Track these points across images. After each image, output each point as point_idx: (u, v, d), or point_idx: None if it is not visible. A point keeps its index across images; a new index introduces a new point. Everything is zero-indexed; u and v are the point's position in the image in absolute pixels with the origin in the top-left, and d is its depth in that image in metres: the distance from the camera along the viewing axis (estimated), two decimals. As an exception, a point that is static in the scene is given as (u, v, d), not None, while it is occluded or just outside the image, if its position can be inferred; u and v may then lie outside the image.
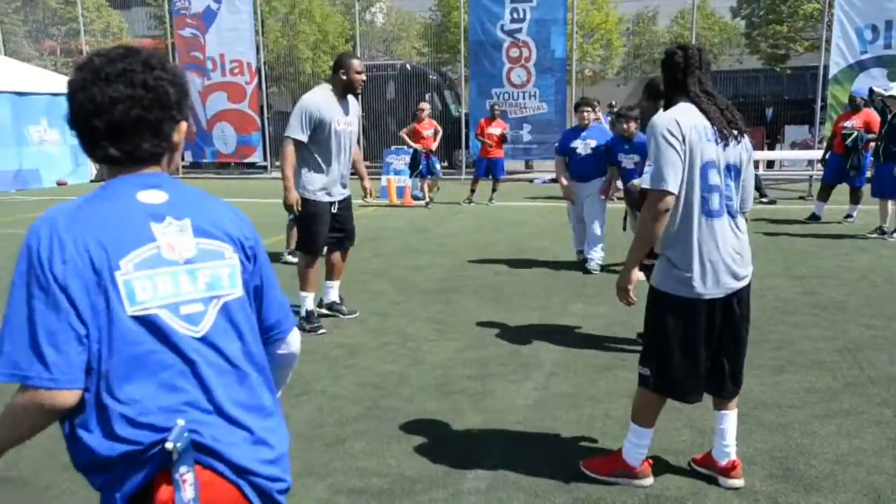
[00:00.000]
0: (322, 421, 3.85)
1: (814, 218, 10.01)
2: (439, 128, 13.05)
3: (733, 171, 2.95)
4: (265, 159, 19.25)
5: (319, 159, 5.26)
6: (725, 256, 2.91)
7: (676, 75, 2.99)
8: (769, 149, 18.30)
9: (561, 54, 16.44)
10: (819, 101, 15.52)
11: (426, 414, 3.92)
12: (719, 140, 2.88)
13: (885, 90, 9.24)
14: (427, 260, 8.04)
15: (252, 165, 19.76)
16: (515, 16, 16.31)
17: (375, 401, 4.11)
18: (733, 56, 27.58)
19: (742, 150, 2.97)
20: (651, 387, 3.08)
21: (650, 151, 2.90)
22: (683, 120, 2.86)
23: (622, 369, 4.54)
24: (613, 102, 19.45)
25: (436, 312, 5.92)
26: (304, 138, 5.18)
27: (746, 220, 3.13)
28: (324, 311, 5.78)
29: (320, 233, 5.37)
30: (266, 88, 19.23)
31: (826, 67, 15.15)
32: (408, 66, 21.19)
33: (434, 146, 12.57)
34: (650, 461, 3.18)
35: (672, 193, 2.82)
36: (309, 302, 5.49)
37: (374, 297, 6.47)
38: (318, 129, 5.19)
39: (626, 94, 29.27)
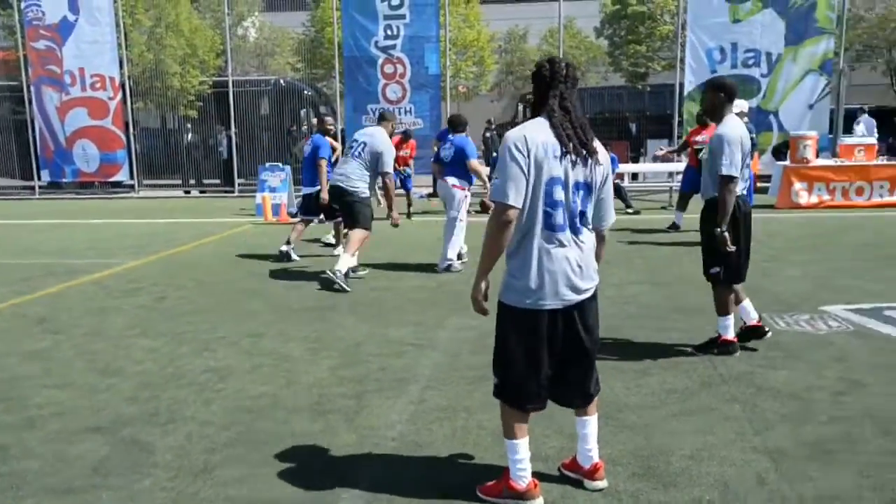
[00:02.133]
0: (189, 449, 3.71)
1: (674, 227, 10.61)
2: (336, 144, 12.92)
3: (582, 188, 2.99)
4: (132, 178, 18.40)
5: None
6: (566, 268, 2.98)
7: (542, 88, 3.04)
8: (633, 161, 19.29)
9: (435, 71, 16.69)
10: (676, 116, 16.50)
11: (300, 436, 3.85)
12: (566, 158, 2.93)
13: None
14: (304, 278, 7.92)
15: (118, 185, 18.84)
16: (389, 32, 16.44)
17: (247, 425, 4.00)
18: (599, 74, 28.89)
19: (593, 170, 3.01)
20: (498, 395, 3.16)
21: (497, 165, 2.97)
22: (531, 136, 2.91)
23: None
24: (492, 119, 19.97)
25: (311, 331, 5.84)
26: None
27: (604, 236, 3.22)
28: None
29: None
30: (131, 104, 18.42)
31: (681, 85, 16.14)
32: (282, 81, 20.88)
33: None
34: (536, 481, 3.14)
35: (514, 207, 2.87)
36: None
37: (248, 317, 6.31)
38: None
39: (500, 109, 30.05)
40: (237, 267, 8.65)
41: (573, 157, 2.94)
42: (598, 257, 3.17)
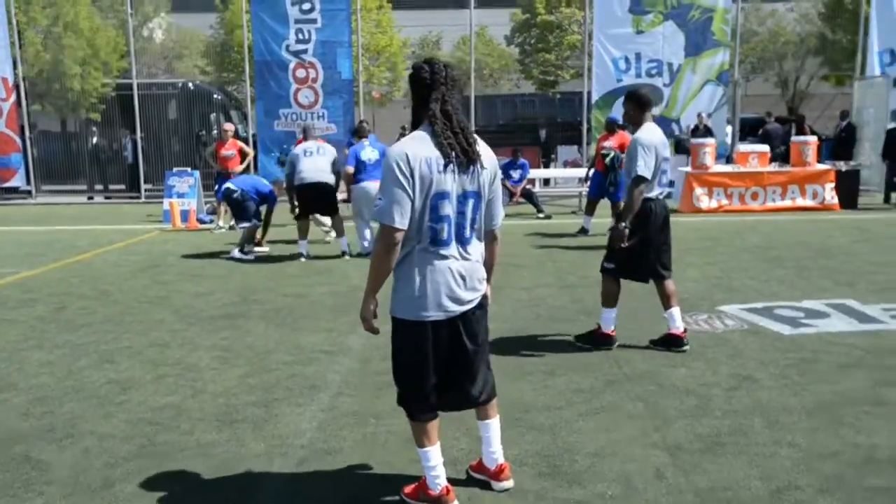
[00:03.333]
0: (88, 465, 3.57)
1: (582, 231, 10.90)
2: (247, 149, 12.67)
3: (471, 197, 2.96)
4: (28, 183, 17.54)
5: None
6: (449, 280, 2.97)
7: (422, 92, 2.95)
8: (544, 167, 19.68)
9: (348, 76, 16.59)
10: (585, 123, 16.96)
11: (205, 446, 3.77)
12: (450, 169, 2.88)
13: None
14: (212, 286, 7.73)
15: (13, 190, 17.91)
16: (301, 36, 16.24)
17: (150, 437, 3.89)
18: (512, 81, 29.40)
19: (479, 176, 2.96)
20: (400, 404, 3.21)
21: (381, 185, 2.91)
22: (413, 153, 2.84)
23: (407, 384, 4.65)
24: (405, 125, 19.97)
25: (220, 339, 5.72)
26: None
27: (496, 236, 3.17)
28: None
29: None
30: (28, 106, 17.56)
31: (589, 93, 16.60)
32: (190, 84, 20.34)
33: (239, 168, 12.09)
34: (449, 487, 3.17)
35: (400, 230, 2.85)
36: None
37: (153, 327, 6.12)
38: None
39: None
40: (143, 275, 8.37)
41: (457, 168, 2.89)
42: (492, 257, 3.18)
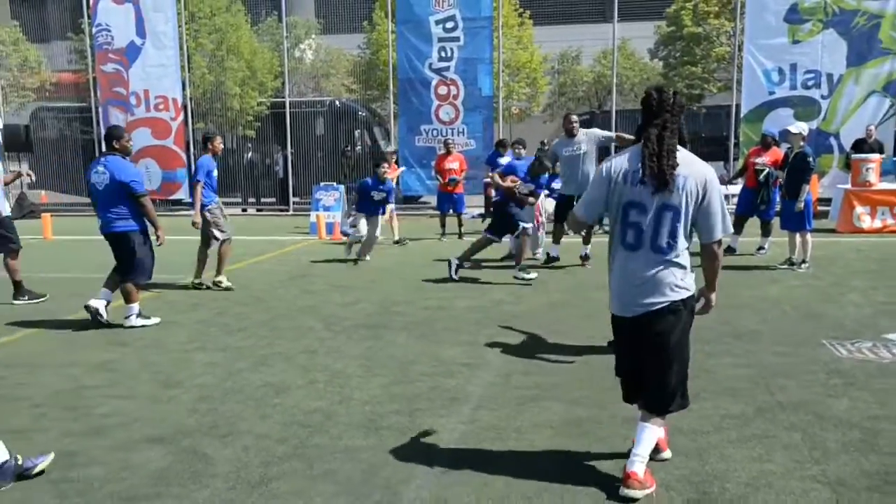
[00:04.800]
0: (247, 461, 3.80)
1: (729, 250, 10.42)
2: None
3: (667, 210, 3.34)
4: (191, 196, 18.90)
5: None
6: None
7: (646, 116, 3.40)
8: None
9: (488, 92, 16.80)
10: (732, 138, 16.27)
11: (354, 451, 3.91)
12: (644, 183, 3.33)
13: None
14: (357, 296, 8.03)
15: (178, 202, 19.38)
16: (443, 54, 16.62)
17: (302, 439, 4.08)
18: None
19: (677, 193, 3.32)
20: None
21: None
22: (609, 163, 3.47)
23: (547, 400, 4.63)
24: (545, 140, 19.95)
25: (364, 349, 5.92)
26: None
27: (710, 250, 3.47)
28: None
29: None
30: (192, 124, 18.99)
31: (738, 107, 15.91)
32: (337, 102, 21.28)
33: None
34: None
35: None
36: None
37: (302, 334, 6.42)
38: None
39: (552, 130, 30.02)
40: (292, 284, 8.82)
41: (652, 182, 3.32)
42: (707, 271, 3.55)
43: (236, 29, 20.62)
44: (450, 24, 16.48)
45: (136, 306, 6.76)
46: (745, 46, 15.59)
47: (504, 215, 8.78)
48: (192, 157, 18.82)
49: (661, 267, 3.36)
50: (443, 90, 16.71)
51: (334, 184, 14.76)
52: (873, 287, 7.92)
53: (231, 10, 21.28)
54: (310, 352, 5.85)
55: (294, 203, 18.33)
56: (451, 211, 13.09)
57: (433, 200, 15.89)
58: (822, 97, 15.21)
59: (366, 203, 10.33)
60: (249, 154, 20.62)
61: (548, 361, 5.46)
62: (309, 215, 14.66)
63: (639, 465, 3.37)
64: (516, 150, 10.47)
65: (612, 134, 9.65)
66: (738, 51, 16.56)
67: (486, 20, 16.57)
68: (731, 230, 3.56)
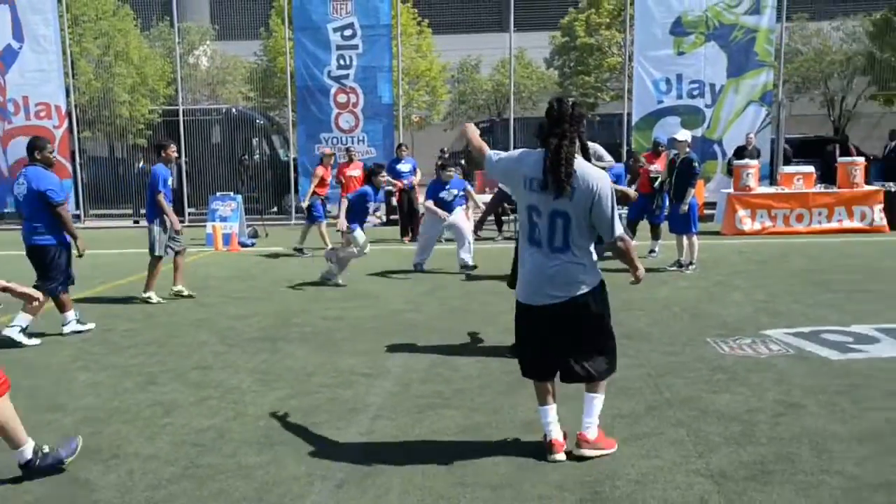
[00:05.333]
0: (132, 486, 3.63)
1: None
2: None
3: (558, 216, 3.63)
4: (77, 207, 18.02)
5: None
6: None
7: (548, 123, 3.64)
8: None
9: (388, 100, 16.80)
10: (625, 145, 16.87)
11: (247, 468, 3.80)
12: (544, 189, 3.60)
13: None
14: (253, 308, 7.84)
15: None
16: (342, 62, 16.52)
17: (192, 459, 3.93)
18: (550, 103, 29.34)
19: (570, 201, 3.59)
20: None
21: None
22: (523, 159, 3.78)
23: (446, 407, 4.65)
24: (444, 148, 20.09)
25: (260, 362, 5.78)
26: None
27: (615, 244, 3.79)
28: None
29: None
30: (78, 133, 18.11)
31: (629, 115, 16.53)
32: (233, 110, 20.77)
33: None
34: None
35: None
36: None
37: (195, 349, 6.21)
38: None
39: (453, 138, 30.30)
40: (186, 298, 8.52)
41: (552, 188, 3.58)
42: (622, 260, 3.97)
43: (125, 34, 19.80)
44: (348, 32, 16.40)
45: (71, 314, 6.84)
46: (634, 57, 16.22)
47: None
48: (79, 168, 17.97)
49: (561, 265, 3.66)
50: (342, 98, 16.60)
51: (231, 193, 14.38)
52: (754, 286, 8.36)
53: (118, 14, 20.42)
54: (202, 367, 5.66)
55: (189, 214, 17.77)
56: None
57: (335, 209, 15.73)
58: (706, 106, 16.00)
59: (362, 214, 9.20)
60: (141, 164, 19.83)
61: (447, 369, 5.48)
62: (205, 226, 14.22)
63: (591, 430, 3.85)
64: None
65: (606, 164, 9.16)
66: (628, 61, 17.20)
67: (385, 28, 16.59)
68: (621, 231, 3.76)
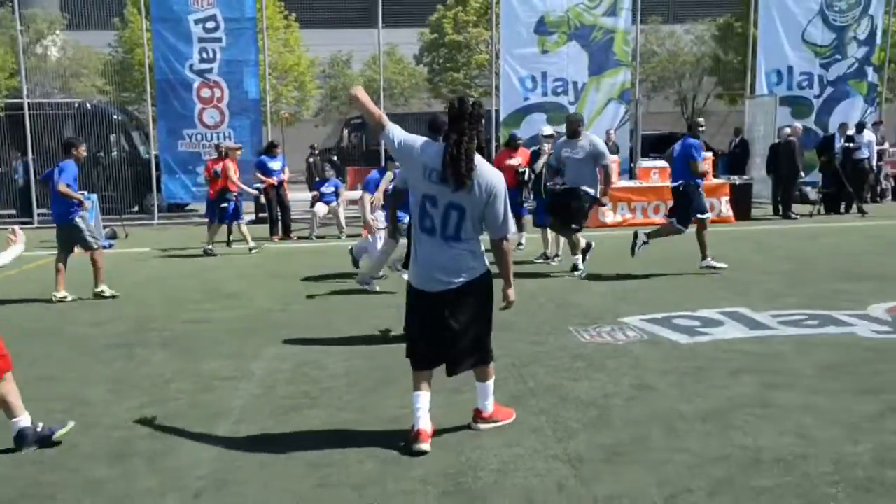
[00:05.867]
0: (-37, 511, 3.34)
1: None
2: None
3: (454, 208, 3.80)
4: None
5: None
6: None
7: (450, 119, 3.81)
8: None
9: (255, 95, 16.33)
10: (493, 141, 17.21)
11: (93, 483, 3.58)
12: (443, 181, 3.74)
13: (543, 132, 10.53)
14: (109, 314, 7.41)
15: None
16: (205, 55, 15.90)
17: (34, 477, 3.67)
18: (422, 100, 29.58)
19: (467, 195, 3.77)
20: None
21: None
22: (423, 148, 3.86)
23: (312, 408, 4.57)
24: (315, 144, 19.77)
25: (115, 371, 5.47)
26: None
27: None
28: None
29: None
30: None
31: (497, 111, 16.87)
32: (88, 104, 19.56)
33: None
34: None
35: None
36: None
37: (41, 360, 5.80)
38: None
39: (325, 134, 29.94)
40: (36, 304, 7.95)
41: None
42: (499, 265, 4.03)
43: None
44: (210, 24, 15.80)
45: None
46: (501, 55, 16.57)
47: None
48: None
49: (454, 253, 3.83)
50: (206, 93, 15.99)
51: (86, 193, 13.53)
52: (615, 276, 8.74)
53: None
54: (48, 379, 5.30)
55: (39, 215, 16.58)
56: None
57: (201, 208, 15.19)
58: (570, 103, 16.55)
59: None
60: (17, 162, 18.29)
61: (314, 369, 5.39)
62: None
63: (488, 406, 4.15)
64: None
65: (608, 162, 8.87)
66: (495, 59, 17.54)
67: (250, 21, 16.11)
68: (514, 230, 3.96)
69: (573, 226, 8.84)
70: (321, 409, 4.55)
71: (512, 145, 11.01)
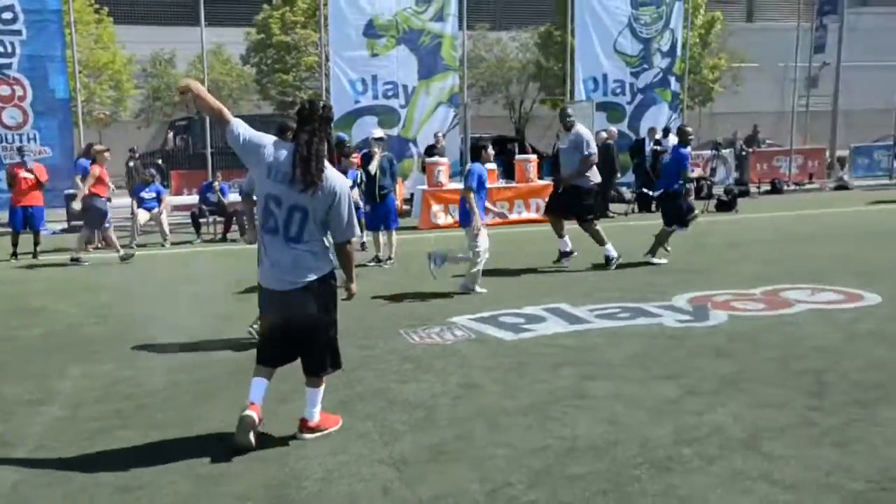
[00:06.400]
0: None
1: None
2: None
3: (297, 210, 3.81)
4: None
5: None
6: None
7: (299, 121, 3.84)
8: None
9: (63, 94, 15.10)
10: (326, 144, 16.99)
11: None
12: (291, 182, 3.76)
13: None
14: None
15: None
16: (2, 49, 14.52)
17: None
18: (252, 101, 28.73)
19: (311, 197, 3.78)
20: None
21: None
22: (269, 149, 3.86)
23: (122, 428, 4.28)
24: (135, 147, 18.61)
25: None
26: None
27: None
28: None
29: None
30: None
31: (328, 114, 16.66)
32: None
33: None
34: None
35: None
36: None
37: None
38: None
39: (149, 136, 28.31)
40: None
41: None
42: (343, 266, 4.06)
43: None
44: (7, 15, 14.43)
45: None
46: (331, 57, 16.41)
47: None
48: None
49: (297, 253, 3.82)
50: (5, 90, 14.59)
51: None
52: (445, 277, 8.86)
53: None
54: None
55: None
56: (26, 228, 11.46)
57: (3, 216, 13.84)
58: (401, 107, 16.69)
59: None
60: None
61: (129, 385, 5.05)
62: None
63: (314, 416, 4.08)
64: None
65: (588, 153, 9.45)
66: (325, 61, 17.35)
67: (55, 14, 14.88)
68: (358, 234, 4.07)
69: (588, 217, 9.41)
70: (134, 429, 4.27)
71: (340, 150, 10.91)
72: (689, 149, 9.60)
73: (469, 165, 8.50)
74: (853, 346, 5.56)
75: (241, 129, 3.83)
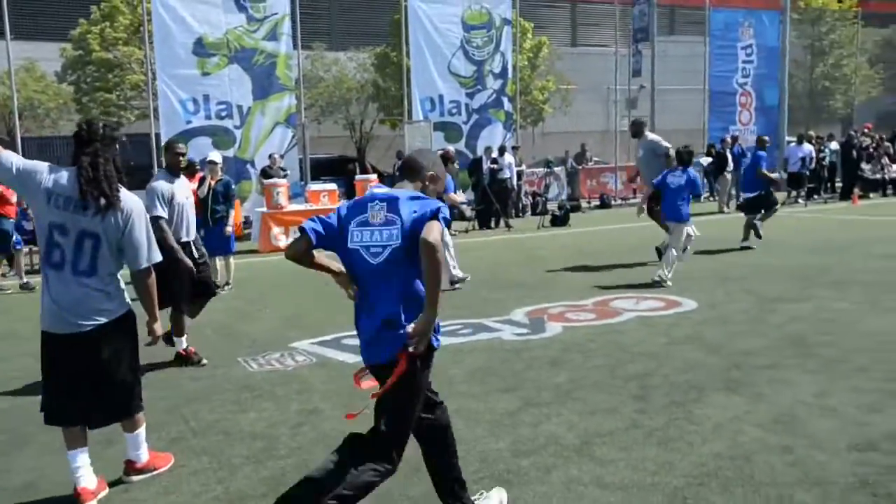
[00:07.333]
0: None
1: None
2: None
3: (88, 237, 3.51)
4: None
5: None
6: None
7: (78, 144, 3.57)
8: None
9: None
10: (156, 166, 16.18)
11: None
12: (79, 208, 3.50)
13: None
14: None
15: None
16: None
17: None
18: (72, 122, 26.82)
19: (101, 222, 3.53)
20: None
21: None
22: (47, 176, 3.56)
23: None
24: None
25: None
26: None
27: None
28: None
29: None
30: None
31: (157, 135, 15.89)
32: None
33: None
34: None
35: None
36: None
37: None
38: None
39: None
40: None
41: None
42: (141, 300, 3.74)
43: None
44: None
45: None
46: (158, 76, 15.66)
47: None
48: None
49: (84, 291, 3.49)
50: None
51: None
52: (286, 302, 8.68)
53: None
54: None
55: None
56: None
57: None
58: (236, 127, 16.22)
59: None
60: None
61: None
62: None
63: (141, 456, 3.84)
64: None
65: (667, 150, 10.11)
66: (152, 79, 16.55)
67: None
68: (158, 258, 3.73)
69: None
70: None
71: (190, 170, 10.43)
72: (764, 153, 11.74)
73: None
74: (672, 350, 5.98)
75: (14, 158, 3.54)
